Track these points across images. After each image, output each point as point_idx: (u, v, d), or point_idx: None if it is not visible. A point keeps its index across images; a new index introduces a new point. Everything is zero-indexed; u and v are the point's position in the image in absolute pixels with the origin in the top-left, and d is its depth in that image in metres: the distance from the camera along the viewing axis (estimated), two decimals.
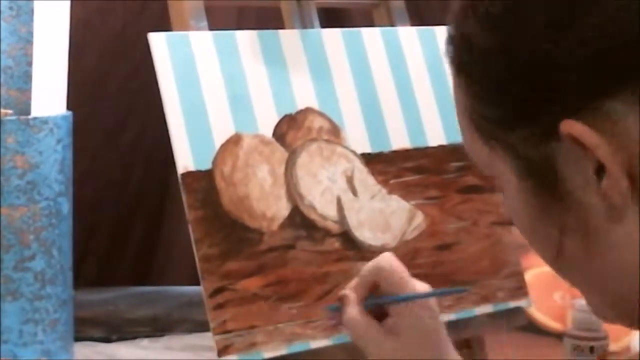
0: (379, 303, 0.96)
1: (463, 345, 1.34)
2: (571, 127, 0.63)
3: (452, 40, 0.71)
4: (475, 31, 0.67)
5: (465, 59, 0.69)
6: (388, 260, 0.97)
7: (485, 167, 0.72)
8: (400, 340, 0.93)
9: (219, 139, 1.17)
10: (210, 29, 1.22)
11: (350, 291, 0.96)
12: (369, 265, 0.97)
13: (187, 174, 1.14)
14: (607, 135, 0.62)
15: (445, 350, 0.95)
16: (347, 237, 1.23)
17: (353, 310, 0.95)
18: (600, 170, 0.63)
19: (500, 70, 0.65)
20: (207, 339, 1.30)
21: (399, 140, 1.31)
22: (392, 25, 1.38)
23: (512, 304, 1.35)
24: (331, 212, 1.22)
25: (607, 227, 0.65)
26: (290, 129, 1.23)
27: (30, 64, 1.36)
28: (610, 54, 0.62)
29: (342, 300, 0.96)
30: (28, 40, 1.36)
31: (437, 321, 0.96)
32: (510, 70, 0.65)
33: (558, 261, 0.70)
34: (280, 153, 1.21)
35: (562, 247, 0.68)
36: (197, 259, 1.12)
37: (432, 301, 0.97)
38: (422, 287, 0.97)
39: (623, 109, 0.62)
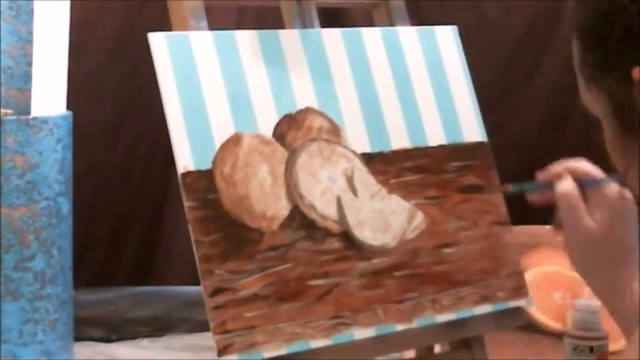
0: (591, 183, 1.09)
1: (463, 345, 1.34)
2: (636, 72, 0.80)
3: (571, 6, 0.88)
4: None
5: (579, 19, 0.87)
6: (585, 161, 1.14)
7: (592, 108, 0.89)
8: (598, 224, 1.06)
9: (219, 139, 1.17)
10: (210, 29, 1.22)
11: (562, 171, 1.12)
12: (570, 161, 1.14)
13: (187, 174, 1.14)
14: None
15: (629, 250, 1.07)
16: (347, 237, 1.23)
17: (569, 184, 1.09)
18: None
19: (599, 25, 0.84)
20: (207, 339, 1.30)
21: (399, 140, 1.31)
22: (392, 25, 1.38)
23: (512, 303, 1.35)
24: (331, 211, 1.22)
25: None
26: (290, 128, 1.23)
27: (30, 64, 1.36)
28: None
29: (557, 177, 1.11)
30: (28, 40, 1.37)
31: (631, 211, 1.08)
32: (608, 26, 0.83)
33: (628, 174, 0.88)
34: (280, 153, 1.21)
35: (629, 165, 0.87)
36: (197, 259, 1.12)
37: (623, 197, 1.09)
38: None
39: None
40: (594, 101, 0.88)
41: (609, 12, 0.83)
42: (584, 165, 1.12)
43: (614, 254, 1.06)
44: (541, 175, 1.15)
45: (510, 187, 1.21)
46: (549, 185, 1.12)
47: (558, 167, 1.13)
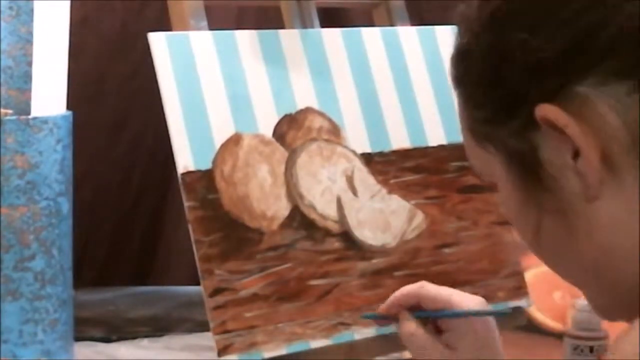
0: (433, 316, 0.99)
1: None
2: (543, 110, 0.68)
3: (452, 60, 0.76)
4: (464, 44, 0.74)
5: (459, 70, 0.75)
6: (430, 284, 1.02)
7: (484, 171, 0.77)
8: (459, 355, 0.97)
9: (219, 139, 1.17)
10: (210, 29, 1.22)
11: (391, 306, 1.01)
12: (410, 286, 1.02)
13: (187, 174, 1.14)
14: (577, 116, 0.67)
15: None
16: (347, 237, 1.23)
17: (411, 325, 0.99)
18: (577, 152, 0.68)
19: (483, 72, 0.72)
20: (207, 339, 1.30)
21: (399, 140, 1.31)
22: (392, 25, 1.38)
23: (512, 303, 1.35)
24: (331, 211, 1.22)
25: (585, 208, 0.69)
26: (290, 128, 1.23)
27: (30, 64, 1.36)
28: (576, 45, 0.67)
29: (389, 313, 1.01)
30: (28, 40, 1.36)
31: (493, 333, 1.00)
32: (492, 69, 0.71)
33: (537, 240, 0.74)
34: (280, 153, 1.21)
35: (540, 226, 0.73)
36: (197, 259, 1.12)
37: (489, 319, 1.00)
38: (470, 299, 1.00)
39: (591, 92, 0.67)
40: (490, 163, 0.74)
41: (503, 53, 0.70)
42: (428, 291, 1.00)
43: None
44: (384, 306, 1.03)
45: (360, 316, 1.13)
46: (391, 319, 1.02)
47: (399, 298, 1.01)
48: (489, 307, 1.01)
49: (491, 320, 1.00)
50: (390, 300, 1.02)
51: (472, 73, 0.73)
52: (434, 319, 0.99)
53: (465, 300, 1.00)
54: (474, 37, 0.72)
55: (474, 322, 0.98)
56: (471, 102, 0.74)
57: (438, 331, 0.99)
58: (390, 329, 1.23)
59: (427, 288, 1.00)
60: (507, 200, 0.76)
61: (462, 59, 0.74)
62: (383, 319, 1.04)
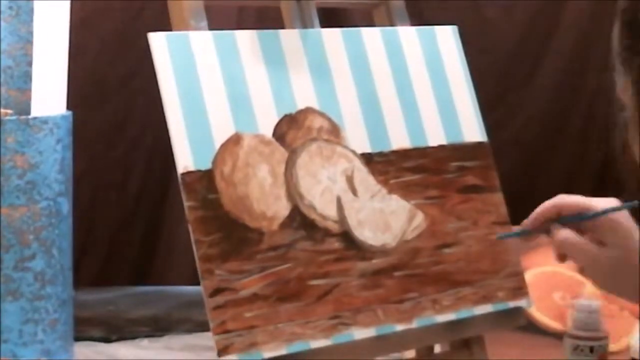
0: (578, 220, 1.11)
1: (463, 345, 1.34)
2: None
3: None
4: None
5: (623, 2, 0.89)
6: (566, 195, 1.15)
7: (624, 97, 0.89)
8: (610, 249, 1.09)
9: (219, 139, 1.17)
10: (210, 29, 1.22)
11: (536, 220, 1.14)
12: (548, 201, 1.14)
13: (187, 174, 1.14)
14: None
15: None
16: (347, 237, 1.23)
17: (564, 232, 1.11)
18: None
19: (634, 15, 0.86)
20: (207, 339, 1.30)
21: (399, 140, 1.31)
22: (392, 25, 1.38)
23: (512, 304, 1.35)
24: (331, 212, 1.22)
25: None
26: (290, 128, 1.23)
27: (30, 64, 1.36)
28: None
29: (534, 226, 1.14)
30: (28, 40, 1.37)
31: (632, 223, 1.10)
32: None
33: None
34: (280, 153, 1.21)
35: None
36: (197, 259, 1.12)
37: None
38: (604, 201, 1.12)
39: None
40: (624, 87, 0.89)
41: None
42: (566, 201, 1.13)
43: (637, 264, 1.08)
44: (528, 222, 1.17)
45: (497, 236, 1.27)
46: (539, 231, 1.14)
47: (543, 212, 1.14)
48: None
49: (626, 213, 1.10)
50: (534, 215, 1.14)
51: (628, 14, 0.88)
52: (575, 224, 1.11)
53: (601, 202, 1.11)
54: None
55: (615, 217, 1.09)
56: (622, 27, 0.90)
57: (581, 234, 1.11)
58: (390, 328, 1.23)
59: (565, 199, 1.12)
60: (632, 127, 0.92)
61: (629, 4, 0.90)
62: (527, 235, 1.17)
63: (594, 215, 1.10)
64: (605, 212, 1.10)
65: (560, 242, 1.11)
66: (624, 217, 1.10)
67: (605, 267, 1.09)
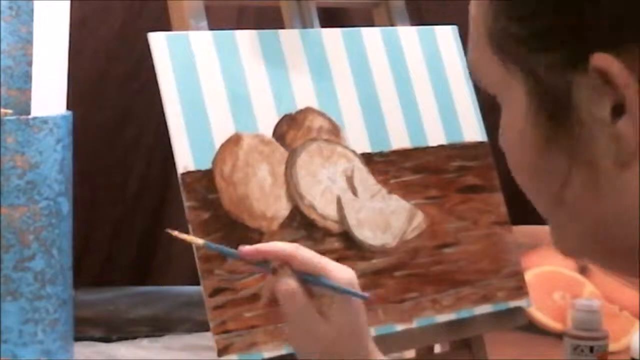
0: (316, 284, 0.94)
1: (463, 345, 1.34)
2: (605, 61, 0.61)
3: None
4: None
5: None
6: (304, 248, 0.96)
7: (491, 85, 0.69)
8: (330, 324, 0.93)
9: (219, 139, 1.17)
10: (210, 29, 1.22)
11: (264, 253, 0.95)
12: (284, 243, 0.96)
13: (187, 174, 1.14)
14: (635, 77, 0.60)
15: (367, 340, 0.96)
16: (347, 237, 1.23)
17: (293, 283, 0.93)
18: (617, 110, 0.61)
19: None
20: (207, 339, 1.30)
21: (399, 139, 1.31)
22: (392, 25, 1.38)
23: (512, 304, 1.35)
24: (331, 211, 1.22)
25: (613, 170, 0.63)
26: (290, 128, 1.23)
27: (30, 64, 1.36)
28: None
29: (257, 257, 0.95)
30: (28, 40, 1.36)
31: (361, 309, 0.96)
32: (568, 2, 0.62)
33: (560, 195, 0.66)
34: (280, 153, 1.21)
35: (569, 177, 0.65)
36: (197, 259, 1.12)
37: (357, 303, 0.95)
38: (343, 271, 0.95)
39: None
40: (505, 81, 0.67)
41: None
42: (300, 253, 0.94)
43: (353, 352, 0.94)
44: (248, 249, 0.95)
45: (202, 244, 1.03)
46: (257, 264, 0.96)
47: (272, 251, 0.94)
48: (358, 289, 0.95)
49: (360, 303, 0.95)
50: (265, 247, 0.95)
51: None
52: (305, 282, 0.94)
53: (339, 272, 0.94)
54: None
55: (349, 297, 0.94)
56: (505, 9, 0.65)
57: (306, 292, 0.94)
58: (390, 328, 1.23)
59: (299, 250, 0.94)
60: (516, 135, 0.68)
61: None
62: (235, 258, 0.97)
63: (333, 287, 0.92)
64: (342, 290, 0.92)
65: (281, 291, 0.92)
66: (359, 303, 0.95)
67: (320, 343, 0.93)
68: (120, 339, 1.66)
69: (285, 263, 0.94)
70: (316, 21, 1.31)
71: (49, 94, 1.38)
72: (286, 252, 0.94)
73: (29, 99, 1.36)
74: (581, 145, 0.64)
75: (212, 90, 1.18)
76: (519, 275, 1.36)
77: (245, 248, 0.95)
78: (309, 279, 0.94)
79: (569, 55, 0.62)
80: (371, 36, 1.33)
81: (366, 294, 0.95)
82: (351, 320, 0.94)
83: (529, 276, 1.44)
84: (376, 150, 1.28)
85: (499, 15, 0.65)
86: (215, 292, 1.13)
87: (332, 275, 0.94)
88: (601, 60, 0.60)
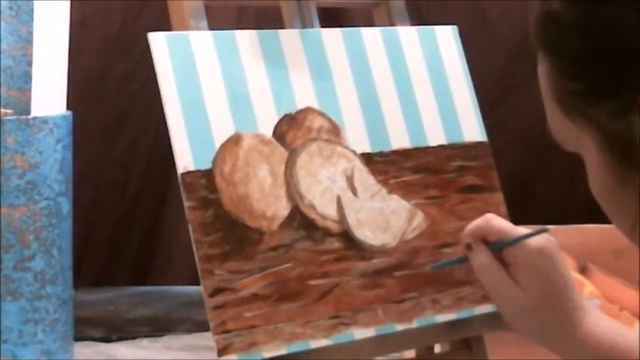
0: (502, 245, 0.99)
1: (463, 346, 1.34)
2: None
3: (538, 21, 0.73)
4: (559, 8, 0.70)
5: (551, 36, 0.71)
6: (495, 218, 1.02)
7: (569, 144, 0.74)
8: (521, 288, 0.96)
9: (219, 139, 1.17)
10: (210, 29, 1.22)
11: (472, 239, 1.00)
12: (477, 220, 1.02)
13: (187, 174, 1.14)
14: None
15: (566, 293, 0.97)
16: (347, 237, 1.23)
17: (484, 256, 0.98)
18: None
19: (584, 43, 0.68)
20: (207, 339, 1.30)
21: (399, 139, 1.31)
22: (392, 25, 1.38)
23: None
24: (331, 211, 1.22)
25: None
26: (290, 128, 1.23)
27: (30, 64, 1.36)
28: None
29: (468, 248, 1.00)
30: (28, 40, 1.37)
31: (554, 263, 0.97)
32: (593, 43, 0.67)
33: (636, 229, 0.71)
34: (280, 153, 1.21)
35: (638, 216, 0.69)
36: (197, 259, 1.12)
37: (548, 242, 0.98)
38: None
39: None
40: (578, 135, 0.72)
41: (604, 25, 0.67)
42: (492, 224, 1.00)
43: (554, 313, 0.97)
44: (463, 244, 1.03)
45: (430, 267, 1.17)
46: (465, 257, 1.02)
47: (465, 235, 1.01)
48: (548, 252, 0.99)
49: (552, 247, 0.98)
50: (464, 234, 1.03)
51: (567, 42, 0.69)
52: (499, 253, 1.00)
53: (535, 239, 0.99)
54: (572, 3, 0.69)
55: (535, 254, 0.97)
56: (563, 72, 0.71)
57: (505, 265, 0.99)
58: (390, 328, 1.23)
59: (491, 220, 1.00)
60: (598, 182, 0.73)
61: (555, 24, 0.70)
62: (462, 262, 1.04)
63: (505, 243, 0.98)
64: (517, 239, 0.97)
65: (476, 267, 0.99)
66: (545, 254, 0.97)
67: (517, 309, 0.98)
68: (120, 339, 1.66)
69: (478, 238, 1.00)
70: (316, 21, 1.31)
71: (49, 94, 1.38)
72: (480, 226, 1.01)
73: (29, 99, 1.36)
74: None
75: (212, 90, 1.18)
76: None
77: (463, 236, 1.02)
78: (498, 245, 0.99)
79: (622, 101, 0.66)
80: (371, 36, 1.33)
81: (545, 228, 0.99)
82: (543, 285, 0.96)
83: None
84: (376, 150, 1.28)
85: (558, 77, 0.71)
86: (215, 292, 1.13)
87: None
88: None
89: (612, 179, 0.71)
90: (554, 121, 0.74)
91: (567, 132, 0.73)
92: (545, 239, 0.98)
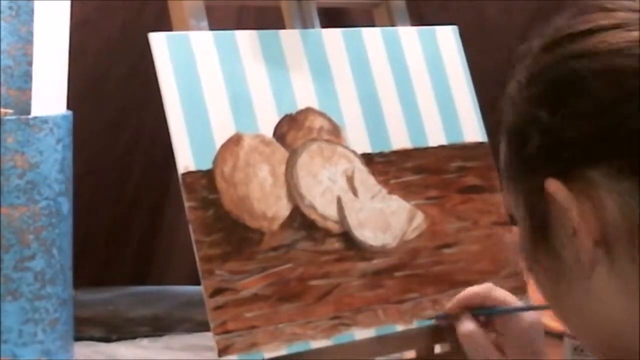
0: (489, 314, 1.04)
1: None
2: (552, 185, 0.72)
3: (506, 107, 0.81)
4: (508, 99, 0.82)
5: (507, 120, 0.80)
6: (498, 289, 1.08)
7: (513, 208, 0.81)
8: (507, 359, 1.02)
9: (219, 139, 1.17)
10: (211, 29, 1.22)
11: (458, 305, 1.07)
12: (477, 287, 1.09)
13: (188, 174, 1.14)
14: (583, 199, 0.70)
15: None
16: (347, 237, 1.23)
17: (470, 325, 1.05)
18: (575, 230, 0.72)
19: (514, 133, 0.78)
20: (207, 339, 1.30)
21: (399, 140, 1.31)
22: (393, 25, 1.38)
23: None
24: (331, 212, 1.22)
25: (579, 281, 0.73)
26: (291, 128, 1.23)
27: (30, 63, 1.36)
28: (594, 132, 0.70)
29: (452, 313, 1.07)
30: (28, 40, 1.36)
31: (542, 340, 1.04)
32: (520, 135, 0.76)
33: (554, 303, 0.79)
34: (281, 153, 1.21)
35: (559, 281, 0.76)
36: (197, 259, 1.12)
37: (537, 320, 1.04)
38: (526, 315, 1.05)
39: (600, 179, 0.70)
40: (516, 202, 0.80)
41: (530, 120, 0.76)
42: (494, 295, 1.06)
43: None
44: (450, 305, 1.13)
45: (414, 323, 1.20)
46: (454, 318, 1.07)
47: (465, 297, 1.08)
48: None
49: (540, 328, 1.03)
50: (456, 299, 1.10)
51: (507, 130, 0.79)
52: (490, 321, 1.04)
53: (529, 312, 1.04)
54: (513, 104, 0.79)
55: (526, 328, 1.02)
56: (505, 150, 0.79)
57: (487, 331, 1.04)
58: (390, 329, 1.23)
59: (493, 290, 1.06)
60: (525, 244, 0.79)
61: (512, 111, 0.79)
62: (443, 319, 1.11)
63: (500, 311, 1.03)
64: (513, 310, 1.02)
65: (461, 335, 1.05)
66: (540, 331, 1.03)
67: None
68: (120, 339, 1.66)
69: (464, 307, 1.06)
70: (316, 21, 1.31)
71: (49, 94, 1.38)
72: (479, 294, 1.08)
73: (29, 98, 1.36)
74: (556, 262, 0.75)
75: (212, 90, 1.18)
76: (518, 275, 1.36)
77: (447, 307, 1.12)
78: (484, 312, 1.04)
79: (540, 182, 0.73)
80: (371, 36, 1.33)
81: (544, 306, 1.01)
82: (528, 355, 1.02)
83: (529, 276, 1.44)
84: (376, 151, 1.28)
85: (506, 154, 0.79)
86: (216, 292, 1.13)
87: (522, 315, 1.05)
88: (549, 185, 0.72)
89: (532, 247, 0.77)
90: (506, 191, 0.81)
91: (512, 200, 0.80)
92: (539, 315, 1.02)
